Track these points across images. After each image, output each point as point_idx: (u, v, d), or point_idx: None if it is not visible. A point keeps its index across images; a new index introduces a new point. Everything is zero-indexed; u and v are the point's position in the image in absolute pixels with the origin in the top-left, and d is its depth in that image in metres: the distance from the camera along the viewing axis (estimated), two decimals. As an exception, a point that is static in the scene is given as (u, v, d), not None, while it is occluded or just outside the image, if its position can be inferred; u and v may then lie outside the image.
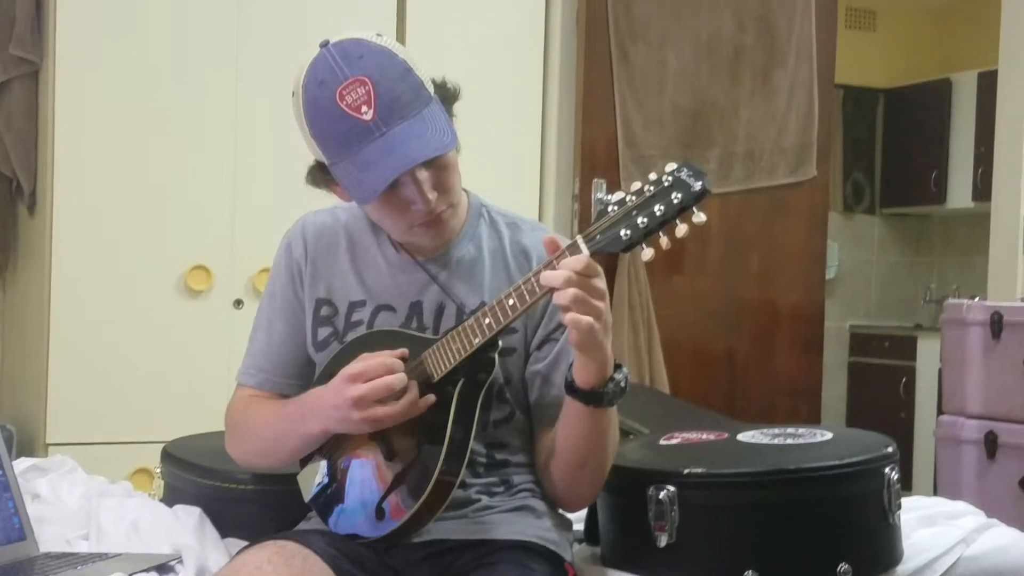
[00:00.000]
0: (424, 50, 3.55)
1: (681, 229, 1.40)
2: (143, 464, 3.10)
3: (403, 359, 1.55)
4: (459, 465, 1.55)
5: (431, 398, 1.54)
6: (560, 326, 1.60)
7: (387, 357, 1.54)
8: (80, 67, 3.28)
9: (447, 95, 1.61)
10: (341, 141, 1.53)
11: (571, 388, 1.54)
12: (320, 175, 1.62)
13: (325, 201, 1.79)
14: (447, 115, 1.59)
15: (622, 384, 1.53)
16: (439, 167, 1.57)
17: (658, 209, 1.40)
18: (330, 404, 1.56)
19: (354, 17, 3.44)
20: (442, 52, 3.48)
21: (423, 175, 1.55)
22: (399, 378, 1.52)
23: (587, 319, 1.42)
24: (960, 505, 1.98)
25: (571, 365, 1.54)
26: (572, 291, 1.41)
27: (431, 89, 1.58)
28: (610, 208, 1.43)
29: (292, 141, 1.64)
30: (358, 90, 1.51)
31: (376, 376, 1.52)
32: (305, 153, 1.64)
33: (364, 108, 1.51)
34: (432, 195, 1.57)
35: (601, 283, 1.44)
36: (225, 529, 1.89)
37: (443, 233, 1.64)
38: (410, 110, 1.53)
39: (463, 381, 1.54)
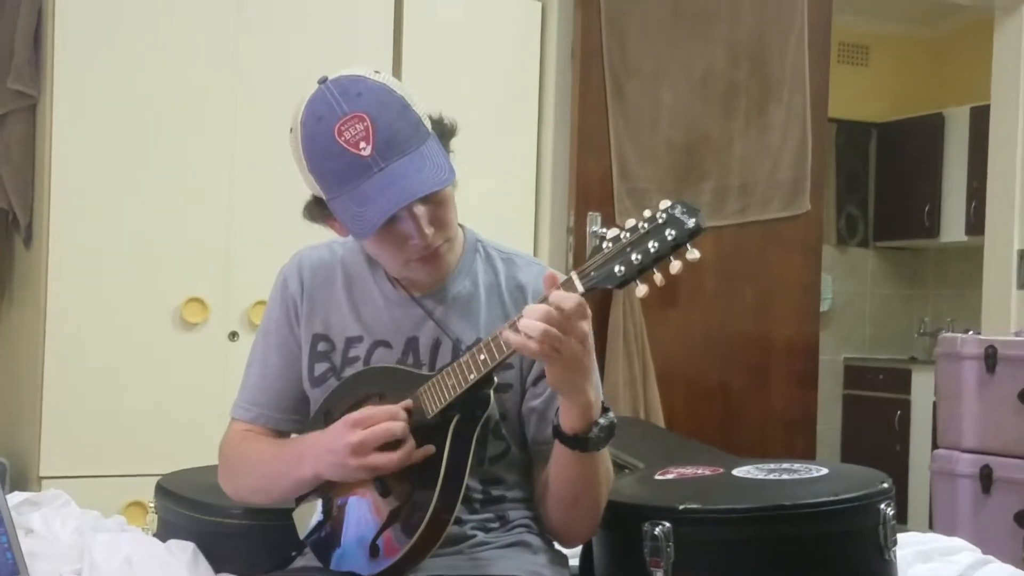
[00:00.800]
0: (419, 84, 3.55)
1: (675, 266, 1.41)
2: (137, 498, 3.09)
3: (408, 411, 1.55)
4: (454, 502, 1.55)
5: (430, 448, 1.54)
6: None
7: (391, 406, 1.54)
8: (77, 101, 3.29)
9: (444, 131, 1.62)
10: (339, 177, 1.54)
11: (557, 433, 1.54)
12: (317, 210, 1.63)
13: (321, 233, 1.80)
14: (444, 151, 1.60)
15: (608, 429, 1.53)
16: (436, 202, 1.58)
17: (652, 246, 1.40)
18: (326, 448, 1.55)
19: (351, 57, 3.45)
20: (437, 86, 3.50)
21: (420, 210, 1.56)
22: (400, 426, 1.52)
23: (556, 356, 1.41)
24: (956, 541, 1.98)
25: (558, 409, 1.54)
26: (540, 327, 1.40)
27: (428, 125, 1.59)
28: (604, 244, 1.43)
29: (288, 174, 1.65)
30: (356, 126, 1.52)
31: (378, 423, 1.52)
32: (302, 186, 1.65)
33: (362, 144, 1.52)
34: (429, 230, 1.57)
35: (584, 325, 1.43)
36: (219, 564, 1.88)
37: (440, 268, 1.65)
38: (408, 146, 1.53)
39: (458, 417, 1.54)
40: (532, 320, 1.41)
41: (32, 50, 3.33)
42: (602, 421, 1.52)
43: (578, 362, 1.44)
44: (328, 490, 1.66)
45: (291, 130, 1.59)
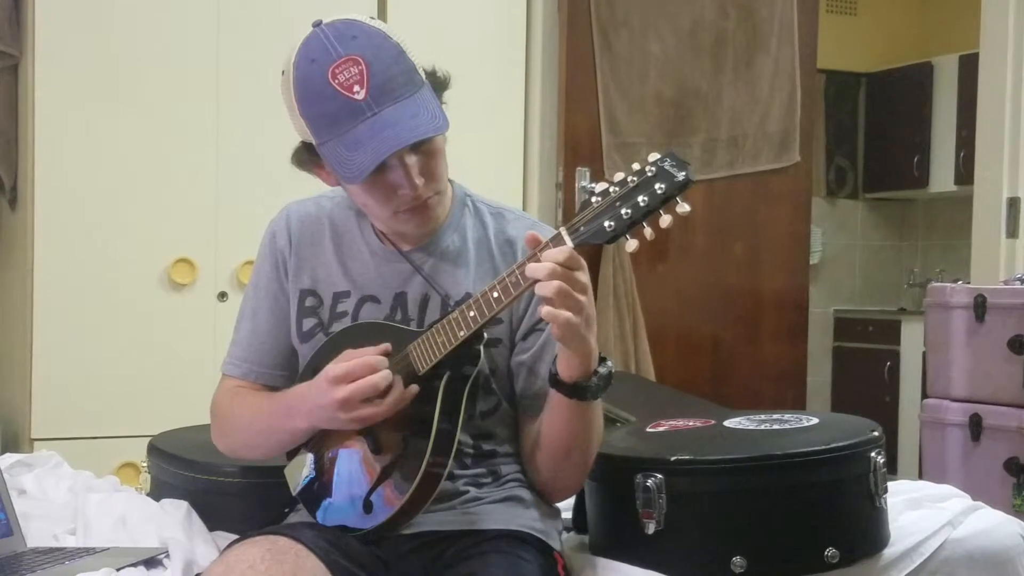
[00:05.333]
0: (404, 37, 3.53)
1: (665, 220, 1.40)
2: (129, 458, 3.09)
3: (386, 354, 1.54)
4: (446, 457, 1.55)
5: (414, 388, 1.53)
6: None
7: (371, 356, 1.53)
8: (59, 60, 3.26)
9: (438, 83, 1.61)
10: (331, 120, 1.52)
11: (555, 381, 1.53)
12: (306, 156, 1.61)
13: (308, 192, 1.79)
14: (438, 101, 1.58)
15: (606, 377, 1.53)
16: (427, 153, 1.57)
17: (642, 200, 1.39)
18: (315, 404, 1.55)
19: (336, 7, 3.42)
20: (424, 41, 3.44)
21: (411, 160, 1.55)
22: (383, 376, 1.51)
23: (566, 314, 1.41)
24: (946, 488, 1.99)
25: (555, 358, 1.54)
26: (554, 284, 1.40)
27: (423, 75, 1.57)
28: (593, 199, 1.43)
29: (274, 132, 1.63)
30: (351, 69, 1.50)
31: (360, 376, 1.51)
32: (288, 144, 1.64)
33: (356, 87, 1.50)
34: (419, 180, 1.56)
35: (584, 276, 1.43)
36: (213, 522, 1.89)
37: (428, 221, 1.64)
38: (402, 92, 1.52)
39: (449, 374, 1.54)
40: (544, 284, 1.40)
41: (12, 8, 3.30)
42: (601, 370, 1.52)
43: (584, 313, 1.44)
44: (319, 445, 1.66)
45: (283, 73, 1.58)
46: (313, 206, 1.75)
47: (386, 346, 1.55)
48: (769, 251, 4.19)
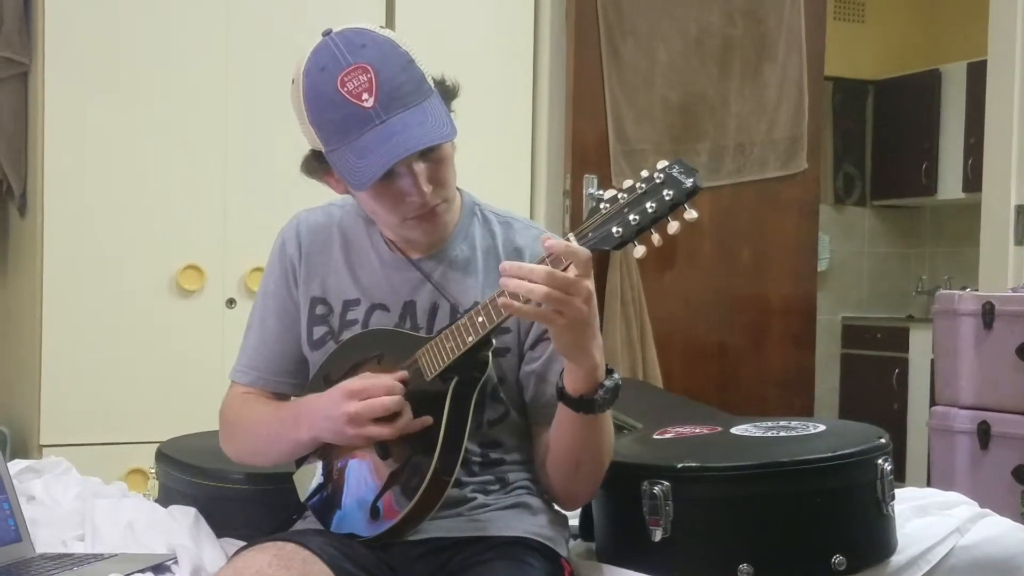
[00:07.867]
0: (413, 46, 3.54)
1: (673, 226, 1.40)
2: (138, 464, 3.10)
3: (403, 382, 1.55)
4: (453, 464, 1.55)
5: (427, 420, 1.54)
6: None
7: (389, 379, 1.54)
8: (69, 68, 3.27)
9: (446, 91, 1.62)
10: (340, 128, 1.53)
11: (561, 395, 1.53)
12: (315, 164, 1.62)
13: (317, 199, 1.80)
14: (447, 109, 1.59)
15: (613, 390, 1.52)
16: (436, 161, 1.58)
17: (650, 206, 1.40)
18: (324, 415, 1.56)
19: (343, 11, 3.44)
20: (431, 48, 3.46)
21: (419, 167, 1.56)
22: (396, 401, 1.52)
23: (560, 321, 1.41)
24: (953, 495, 1.99)
25: (562, 371, 1.54)
26: (546, 290, 1.38)
27: (431, 83, 1.58)
28: (602, 205, 1.43)
29: (282, 140, 1.64)
30: (360, 77, 1.52)
31: (375, 395, 1.52)
32: (296, 151, 1.64)
33: (365, 95, 1.51)
34: (427, 188, 1.57)
35: (588, 284, 1.42)
36: (220, 529, 1.89)
37: (436, 228, 1.64)
38: (411, 100, 1.53)
39: (456, 380, 1.54)
40: (533, 284, 1.39)
41: (22, 17, 3.31)
42: (607, 383, 1.52)
43: (584, 324, 1.43)
44: (328, 453, 1.66)
45: (292, 81, 1.59)
46: (323, 214, 1.76)
47: (404, 373, 1.55)
48: (777, 258, 4.19)
